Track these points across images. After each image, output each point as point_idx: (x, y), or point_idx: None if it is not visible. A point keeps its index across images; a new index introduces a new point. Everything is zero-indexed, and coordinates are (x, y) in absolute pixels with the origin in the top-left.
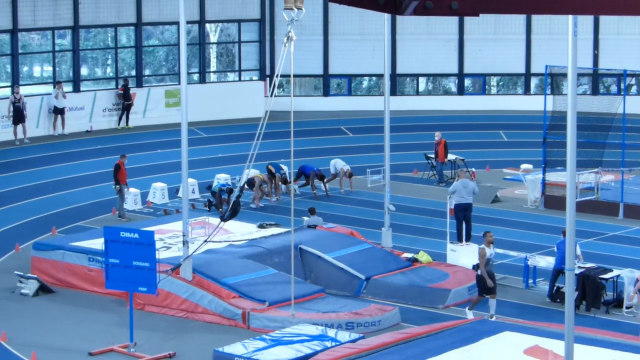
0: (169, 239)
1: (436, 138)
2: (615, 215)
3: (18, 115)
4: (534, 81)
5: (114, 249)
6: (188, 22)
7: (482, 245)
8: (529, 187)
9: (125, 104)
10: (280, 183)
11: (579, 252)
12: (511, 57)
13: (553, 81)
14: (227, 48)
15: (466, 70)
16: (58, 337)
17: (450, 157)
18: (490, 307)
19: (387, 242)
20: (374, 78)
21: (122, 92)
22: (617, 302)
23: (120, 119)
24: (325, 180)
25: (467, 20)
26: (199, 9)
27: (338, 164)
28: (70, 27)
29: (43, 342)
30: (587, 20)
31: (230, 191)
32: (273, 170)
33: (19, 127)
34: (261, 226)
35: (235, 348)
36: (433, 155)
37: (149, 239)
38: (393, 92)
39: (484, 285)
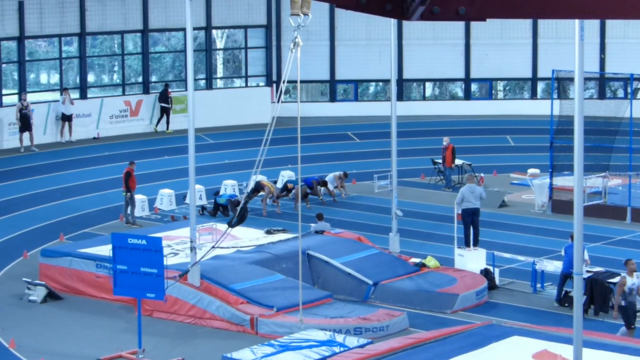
0: (177, 245)
1: (444, 143)
2: (623, 219)
3: (25, 123)
4: (540, 85)
5: (121, 255)
6: (194, 29)
7: (624, 274)
8: (536, 191)
9: (164, 107)
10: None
11: (586, 257)
12: (518, 61)
13: (560, 85)
14: (233, 54)
15: (473, 75)
16: (66, 344)
17: (458, 162)
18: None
19: (394, 247)
20: (380, 83)
21: (169, 95)
22: None
23: (158, 121)
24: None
25: (474, 25)
26: (206, 15)
27: (330, 177)
28: (76, 34)
29: (51, 348)
30: (593, 25)
31: (237, 203)
32: (292, 186)
33: (25, 134)
34: (269, 232)
35: (244, 354)
36: (440, 161)
37: (156, 245)
38: (400, 97)
39: (628, 315)
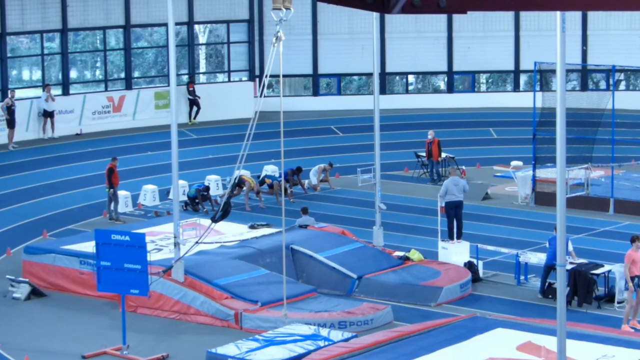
0: (161, 241)
1: (429, 137)
2: (606, 210)
3: (12, 119)
4: (523, 78)
5: (105, 251)
6: (177, 24)
7: None
8: (520, 183)
9: (190, 99)
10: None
11: (571, 248)
12: (500, 54)
13: (542, 78)
14: (216, 49)
15: (455, 68)
16: (51, 341)
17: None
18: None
19: (378, 240)
20: (363, 77)
21: (192, 88)
22: (609, 297)
23: (190, 114)
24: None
25: (456, 18)
26: (188, 10)
27: (314, 169)
28: (58, 30)
29: (36, 346)
30: (575, 17)
31: (206, 189)
32: (270, 181)
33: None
34: (252, 227)
35: (228, 349)
36: (424, 154)
37: (140, 241)
38: (382, 90)
39: None
